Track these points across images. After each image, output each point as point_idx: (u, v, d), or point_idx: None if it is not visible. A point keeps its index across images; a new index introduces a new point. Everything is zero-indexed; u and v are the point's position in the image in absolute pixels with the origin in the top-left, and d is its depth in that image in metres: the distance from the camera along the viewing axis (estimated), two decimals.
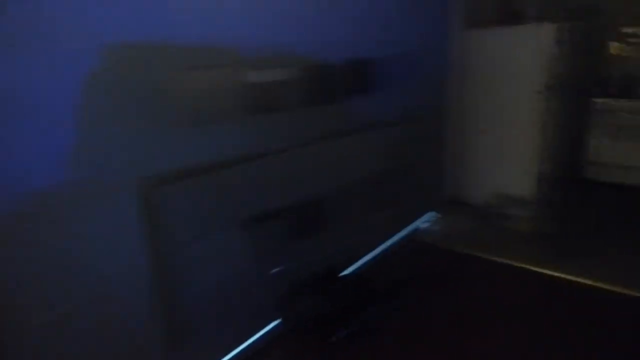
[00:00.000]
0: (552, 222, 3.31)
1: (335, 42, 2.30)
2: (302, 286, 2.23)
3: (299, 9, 2.08)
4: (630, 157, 3.91)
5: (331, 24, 2.28)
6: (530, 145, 3.35)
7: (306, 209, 2.25)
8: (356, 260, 2.73)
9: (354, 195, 2.58)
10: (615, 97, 3.97)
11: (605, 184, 4.07)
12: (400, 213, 3.15)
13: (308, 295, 2.21)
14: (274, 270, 2.08)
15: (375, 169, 2.74)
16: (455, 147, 3.72)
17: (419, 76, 3.04)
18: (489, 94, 3.47)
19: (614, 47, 4.22)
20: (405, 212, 3.23)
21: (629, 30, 3.93)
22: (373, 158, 2.71)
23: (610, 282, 2.44)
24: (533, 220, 3.23)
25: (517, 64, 3.27)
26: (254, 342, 2.06)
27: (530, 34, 3.14)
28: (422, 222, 3.43)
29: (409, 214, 3.30)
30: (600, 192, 3.96)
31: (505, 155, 3.52)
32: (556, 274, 2.60)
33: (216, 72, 1.78)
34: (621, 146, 3.95)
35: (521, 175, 3.47)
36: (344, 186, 2.48)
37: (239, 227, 1.90)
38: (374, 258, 2.89)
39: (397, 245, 3.10)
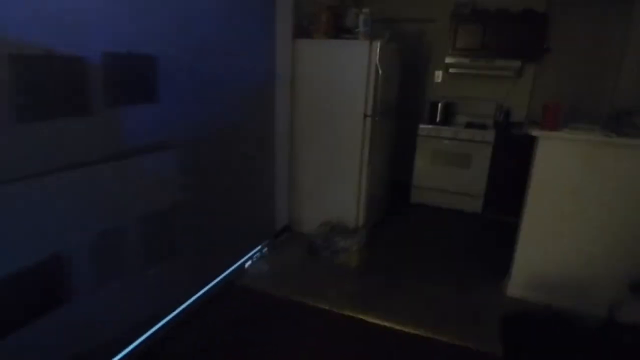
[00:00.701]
0: (376, 253, 3.13)
1: (89, 26, 1.55)
2: None
3: None
4: (449, 181, 4.09)
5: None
6: (358, 170, 3.13)
7: (30, 276, 1.43)
8: (141, 334, 1.99)
9: (129, 244, 1.84)
10: (438, 124, 4.10)
11: (429, 207, 4.19)
12: (212, 255, 2.52)
13: None
14: None
15: (165, 205, 2.04)
16: (287, 171, 3.29)
17: (233, 87, 2.47)
18: (318, 114, 3.15)
19: (438, 75, 4.42)
20: (221, 253, 2.61)
21: (451, 60, 4.10)
22: (160, 190, 2.00)
23: (431, 329, 2.25)
24: (359, 253, 2.97)
25: (344, 84, 3.01)
26: None
27: (359, 49, 2.90)
28: (246, 261, 2.87)
29: (226, 254, 2.69)
30: (424, 216, 4.03)
31: (334, 180, 3.24)
32: (377, 321, 2.32)
33: None
34: (442, 170, 4.09)
35: (349, 202, 3.23)
36: (110, 233, 1.72)
37: None
38: (171, 322, 2.18)
39: (209, 297, 2.46)
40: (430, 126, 4.08)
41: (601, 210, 2.36)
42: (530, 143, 2.47)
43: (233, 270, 2.71)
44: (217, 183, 2.45)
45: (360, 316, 2.36)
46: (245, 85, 2.62)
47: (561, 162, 2.37)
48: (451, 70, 4.25)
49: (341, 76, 3.00)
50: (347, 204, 3.25)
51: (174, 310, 2.19)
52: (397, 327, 2.27)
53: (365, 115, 3.01)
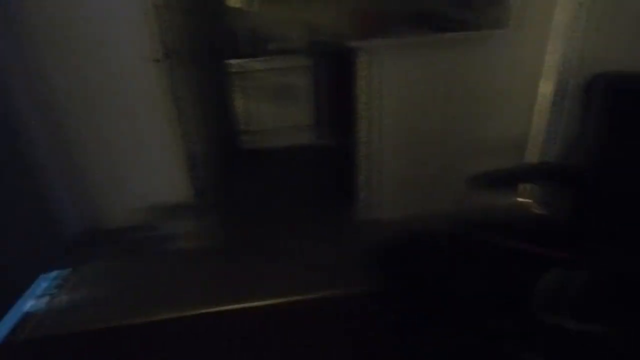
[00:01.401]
0: (220, 222, 2.62)
1: None
2: None
3: None
4: (277, 117, 3.71)
5: None
6: (168, 130, 2.44)
7: None
8: None
9: None
10: (248, 57, 3.57)
11: (264, 150, 3.78)
12: None
13: None
14: None
15: None
16: (67, 157, 2.37)
17: None
18: (90, 68, 2.24)
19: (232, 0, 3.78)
20: None
21: None
22: None
23: (310, 287, 1.95)
24: (198, 230, 2.42)
25: (116, 20, 2.17)
26: None
27: None
28: (34, 299, 2.01)
29: None
30: (262, 162, 3.63)
31: (142, 150, 2.49)
32: (247, 305, 1.91)
33: None
34: (266, 107, 3.67)
35: (169, 172, 2.56)
36: None
37: None
38: None
39: None
40: (240, 60, 3.53)
41: (435, 112, 2.29)
42: (351, 58, 2.19)
43: (11, 323, 1.85)
44: None
45: (225, 308, 1.89)
46: None
47: (384, 72, 2.16)
48: None
49: (107, 9, 2.14)
50: (167, 176, 2.56)
51: None
52: (273, 302, 1.90)
53: (155, 60, 2.27)
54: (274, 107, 3.69)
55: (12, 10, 2.02)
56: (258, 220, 2.65)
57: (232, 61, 3.51)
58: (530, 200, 2.51)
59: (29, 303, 1.97)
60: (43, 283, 2.10)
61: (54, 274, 2.16)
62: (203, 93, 2.97)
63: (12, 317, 1.88)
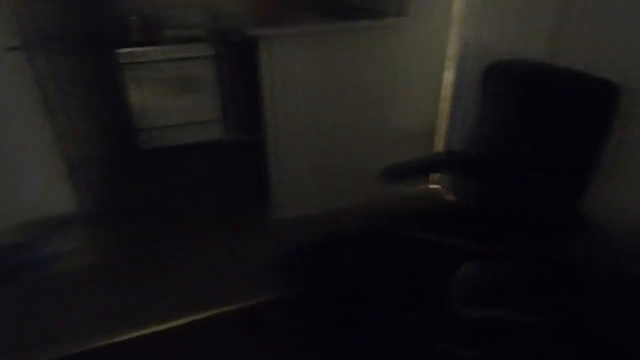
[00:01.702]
0: (115, 235, 2.31)
1: None
2: None
3: None
4: (179, 112, 3.40)
5: None
6: (40, 131, 2.06)
7: None
8: None
9: None
10: (141, 45, 3.19)
11: (165, 149, 3.44)
12: None
13: None
14: None
15: None
16: None
17: None
18: None
19: None
20: None
21: None
22: None
23: (225, 299, 1.77)
24: (87, 247, 2.10)
25: None
26: None
27: None
28: None
29: None
30: (162, 163, 3.30)
31: (7, 156, 2.07)
32: (152, 330, 1.68)
33: None
34: (165, 102, 3.33)
35: (47, 180, 2.18)
36: None
37: None
38: None
39: None
40: (132, 49, 3.14)
41: (341, 103, 2.22)
42: (254, 47, 2.02)
43: None
44: None
45: (125, 337, 1.64)
46: None
47: (286, 61, 2.02)
48: None
49: None
50: (44, 185, 2.18)
51: None
52: (179, 323, 1.70)
53: (10, 49, 1.87)
54: (175, 101, 3.36)
55: None
56: (159, 228, 2.37)
57: (122, 50, 3.10)
58: (440, 187, 2.58)
59: None
60: None
61: None
62: (84, 86, 2.57)
63: None
